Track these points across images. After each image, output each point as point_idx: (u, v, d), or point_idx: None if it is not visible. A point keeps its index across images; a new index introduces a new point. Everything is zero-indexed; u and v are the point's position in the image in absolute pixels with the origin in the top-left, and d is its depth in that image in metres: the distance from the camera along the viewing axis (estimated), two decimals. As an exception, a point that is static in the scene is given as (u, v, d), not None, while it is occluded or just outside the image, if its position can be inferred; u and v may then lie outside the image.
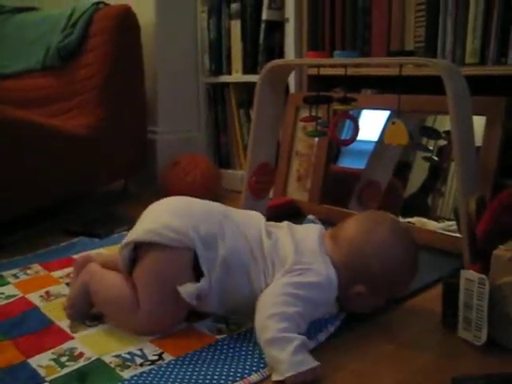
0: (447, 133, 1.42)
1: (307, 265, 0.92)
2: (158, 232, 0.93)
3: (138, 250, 0.96)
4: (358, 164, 1.65)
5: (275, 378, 0.79)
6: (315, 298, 0.89)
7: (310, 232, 1.01)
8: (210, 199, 1.82)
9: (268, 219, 1.06)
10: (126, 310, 0.93)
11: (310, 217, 1.43)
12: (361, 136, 1.37)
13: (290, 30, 1.81)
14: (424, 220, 1.42)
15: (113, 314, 0.97)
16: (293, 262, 0.92)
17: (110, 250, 1.35)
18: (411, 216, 1.43)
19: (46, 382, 0.80)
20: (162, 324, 0.93)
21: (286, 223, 1.06)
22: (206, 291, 0.91)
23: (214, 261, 0.92)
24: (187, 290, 0.90)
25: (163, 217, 0.97)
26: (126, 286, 0.95)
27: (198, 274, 0.92)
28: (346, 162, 1.73)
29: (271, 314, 0.84)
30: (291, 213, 1.60)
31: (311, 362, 0.79)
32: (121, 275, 0.99)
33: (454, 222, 1.32)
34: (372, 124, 1.60)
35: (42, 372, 0.83)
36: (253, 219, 1.03)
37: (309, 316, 0.89)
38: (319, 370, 0.79)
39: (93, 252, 1.24)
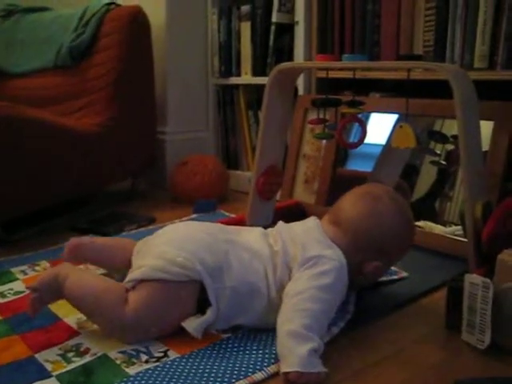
0: (455, 137, 1.42)
1: (317, 253, 0.93)
2: (165, 270, 0.92)
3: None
4: (366, 167, 1.66)
5: (283, 369, 0.80)
6: (335, 284, 0.91)
7: (306, 223, 1.04)
8: (218, 200, 1.84)
9: (274, 221, 1.07)
10: (110, 303, 0.91)
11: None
12: (369, 139, 1.37)
13: (299, 32, 1.82)
14: (431, 224, 1.42)
15: (94, 307, 0.93)
16: (302, 254, 0.94)
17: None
18: (418, 220, 1.44)
19: (53, 376, 0.82)
20: (144, 328, 0.91)
21: (280, 224, 1.07)
22: (212, 320, 0.92)
23: (222, 291, 0.92)
24: (193, 325, 0.90)
25: (168, 251, 0.95)
26: (113, 282, 0.97)
27: (203, 303, 0.93)
28: (354, 165, 1.73)
29: (298, 309, 0.86)
30: (297, 215, 1.60)
31: (320, 367, 0.80)
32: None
33: (460, 227, 1.32)
34: (380, 127, 1.60)
35: (48, 367, 0.84)
36: (255, 235, 1.03)
37: (333, 307, 0.91)
38: (323, 377, 0.80)
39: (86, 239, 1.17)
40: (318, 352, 0.82)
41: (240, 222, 1.33)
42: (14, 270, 1.25)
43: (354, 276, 0.97)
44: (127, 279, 0.95)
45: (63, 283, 0.94)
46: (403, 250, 1.06)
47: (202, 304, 0.93)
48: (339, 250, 0.96)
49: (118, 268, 1.07)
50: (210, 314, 0.91)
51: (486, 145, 1.27)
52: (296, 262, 0.94)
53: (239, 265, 0.95)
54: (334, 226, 1.01)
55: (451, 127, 1.46)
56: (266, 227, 1.08)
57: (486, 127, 1.28)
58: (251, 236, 1.03)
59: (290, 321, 0.85)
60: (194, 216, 1.70)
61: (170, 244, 0.97)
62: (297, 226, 1.04)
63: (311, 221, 1.05)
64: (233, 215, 1.65)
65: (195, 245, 0.97)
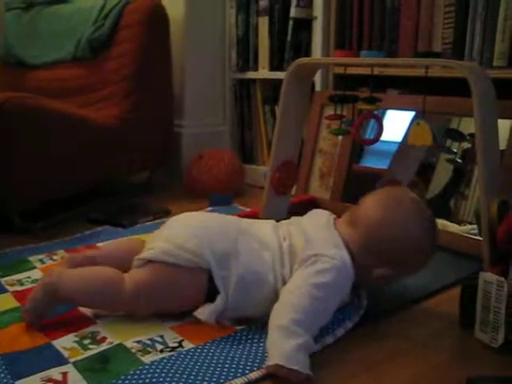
0: (472, 135, 1.42)
1: (319, 251, 0.92)
2: (174, 254, 0.94)
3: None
4: (381, 164, 1.65)
5: (267, 362, 0.79)
6: (333, 283, 0.89)
7: (317, 219, 1.03)
8: (233, 194, 1.85)
9: (289, 216, 1.08)
10: (108, 283, 0.94)
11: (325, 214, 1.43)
12: (385, 137, 1.37)
13: (317, 28, 1.82)
14: (446, 223, 1.42)
15: (96, 299, 0.95)
16: (304, 251, 0.93)
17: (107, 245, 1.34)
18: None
19: (70, 363, 0.83)
20: (142, 305, 0.94)
21: (293, 218, 1.07)
22: (222, 308, 0.93)
23: (229, 279, 0.94)
24: (205, 313, 0.92)
25: (179, 236, 0.97)
26: (102, 267, 0.98)
27: (212, 290, 0.94)
28: (369, 162, 1.73)
29: (290, 304, 0.86)
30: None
31: (304, 367, 0.78)
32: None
33: (475, 226, 1.31)
34: (396, 124, 1.60)
35: (65, 353, 0.86)
36: (267, 228, 1.03)
37: (329, 306, 0.89)
38: (303, 378, 0.77)
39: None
40: (307, 349, 0.81)
41: (254, 216, 1.34)
42: (31, 258, 1.28)
43: (362, 279, 0.96)
44: (137, 257, 0.97)
45: (56, 290, 0.93)
46: (417, 261, 0.99)
47: (212, 291, 0.94)
48: (345, 249, 0.94)
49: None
50: (219, 301, 0.92)
51: (503, 143, 1.26)
52: (297, 257, 0.94)
53: (247, 254, 0.96)
54: (350, 225, 1.00)
55: (468, 125, 1.46)
56: (278, 220, 1.09)
57: (504, 126, 1.27)
58: (262, 228, 1.03)
59: (280, 316, 0.84)
60: (209, 209, 1.71)
61: (182, 229, 0.99)
62: (307, 221, 1.03)
63: (324, 216, 1.03)
64: (248, 209, 1.66)
65: (206, 231, 0.98)
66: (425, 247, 0.98)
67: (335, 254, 0.92)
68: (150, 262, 0.95)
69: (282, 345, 0.80)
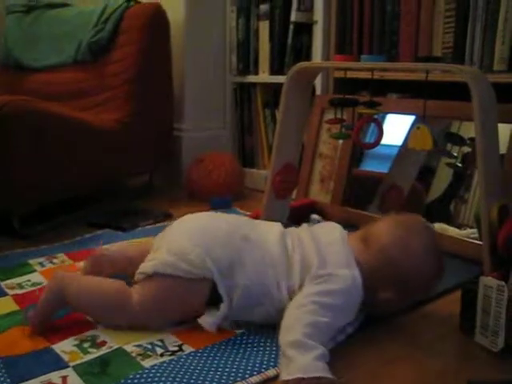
0: (472, 139, 1.42)
1: (331, 270, 0.92)
2: (175, 266, 0.93)
3: None
4: (381, 168, 1.65)
5: (284, 377, 0.78)
6: (342, 304, 0.89)
7: (332, 233, 1.01)
8: (233, 197, 1.85)
9: (289, 220, 1.07)
10: (116, 301, 0.94)
11: (315, 217, 1.43)
12: (385, 140, 1.37)
13: (317, 32, 1.82)
14: (446, 226, 1.42)
15: (101, 311, 0.96)
16: (317, 268, 0.92)
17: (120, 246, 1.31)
18: (433, 222, 1.43)
19: (70, 366, 0.83)
20: (150, 319, 0.94)
21: (305, 226, 1.06)
22: (226, 316, 0.93)
23: (233, 288, 0.93)
24: (208, 321, 0.92)
25: (181, 246, 0.96)
26: (112, 280, 0.98)
27: (214, 296, 0.93)
28: (370, 166, 1.73)
29: (299, 319, 0.85)
30: (312, 214, 1.61)
31: (323, 372, 0.77)
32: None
33: (475, 230, 1.31)
34: (397, 128, 1.60)
35: (65, 357, 0.86)
36: (274, 234, 1.01)
37: (337, 324, 0.89)
38: (327, 382, 0.77)
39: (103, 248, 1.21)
40: (325, 357, 0.81)
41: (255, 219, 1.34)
42: (31, 261, 1.27)
43: (367, 299, 0.95)
44: (139, 270, 0.97)
45: (64, 294, 0.94)
46: (422, 291, 1.02)
47: (215, 297, 0.93)
48: (357, 269, 0.93)
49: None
50: (223, 309, 0.92)
51: (503, 148, 1.26)
52: (309, 273, 0.92)
53: (253, 264, 0.95)
54: (362, 242, 0.99)
55: (468, 129, 1.46)
56: (286, 225, 1.08)
57: (504, 130, 1.27)
58: (270, 234, 1.01)
59: (291, 331, 0.83)
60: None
61: (187, 236, 0.98)
62: (321, 235, 1.01)
63: (337, 232, 1.02)
64: (248, 213, 1.65)
65: (210, 237, 0.97)
66: (433, 277, 0.99)
67: (347, 274, 0.92)
68: (152, 275, 0.95)
69: (300, 359, 0.79)
